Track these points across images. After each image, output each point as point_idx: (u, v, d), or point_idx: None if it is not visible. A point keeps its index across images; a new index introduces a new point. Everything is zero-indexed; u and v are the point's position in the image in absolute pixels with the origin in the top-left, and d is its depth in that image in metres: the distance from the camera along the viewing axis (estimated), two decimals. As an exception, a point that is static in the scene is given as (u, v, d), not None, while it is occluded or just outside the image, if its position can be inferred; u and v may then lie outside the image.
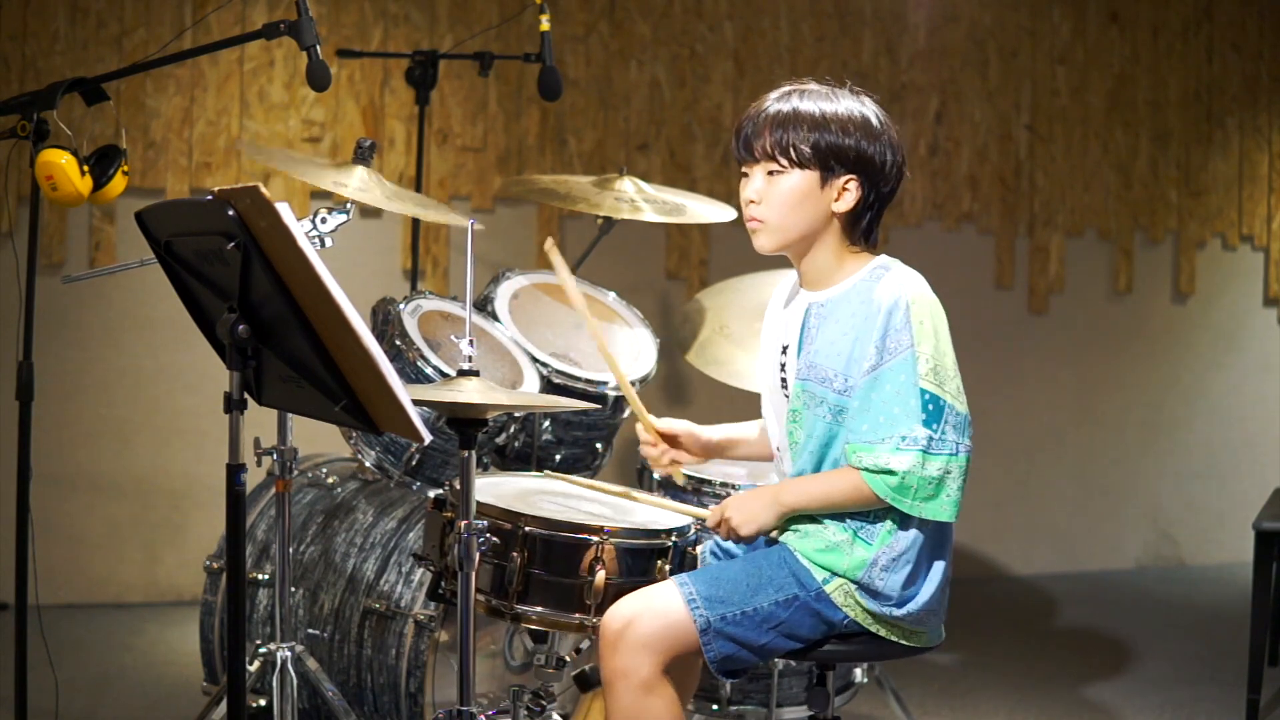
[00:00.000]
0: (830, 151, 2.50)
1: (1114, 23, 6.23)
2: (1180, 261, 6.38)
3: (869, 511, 2.48)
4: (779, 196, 2.53)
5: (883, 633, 2.51)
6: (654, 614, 2.46)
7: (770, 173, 2.54)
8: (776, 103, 2.55)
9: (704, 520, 2.68)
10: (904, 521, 2.47)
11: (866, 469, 2.43)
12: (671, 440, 2.82)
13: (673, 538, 2.67)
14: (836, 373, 2.50)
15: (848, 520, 2.49)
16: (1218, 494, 6.44)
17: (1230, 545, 6.33)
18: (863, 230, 2.56)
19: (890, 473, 2.40)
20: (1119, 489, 6.31)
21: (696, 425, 2.83)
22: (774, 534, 2.57)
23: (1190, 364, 6.44)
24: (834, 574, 2.48)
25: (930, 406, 2.40)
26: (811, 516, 2.53)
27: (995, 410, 6.08)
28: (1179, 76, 6.34)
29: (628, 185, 3.88)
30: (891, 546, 2.47)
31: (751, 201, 2.57)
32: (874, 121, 2.53)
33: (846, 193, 2.53)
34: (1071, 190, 6.18)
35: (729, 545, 2.72)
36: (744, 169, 2.59)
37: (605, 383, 3.56)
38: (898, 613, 2.48)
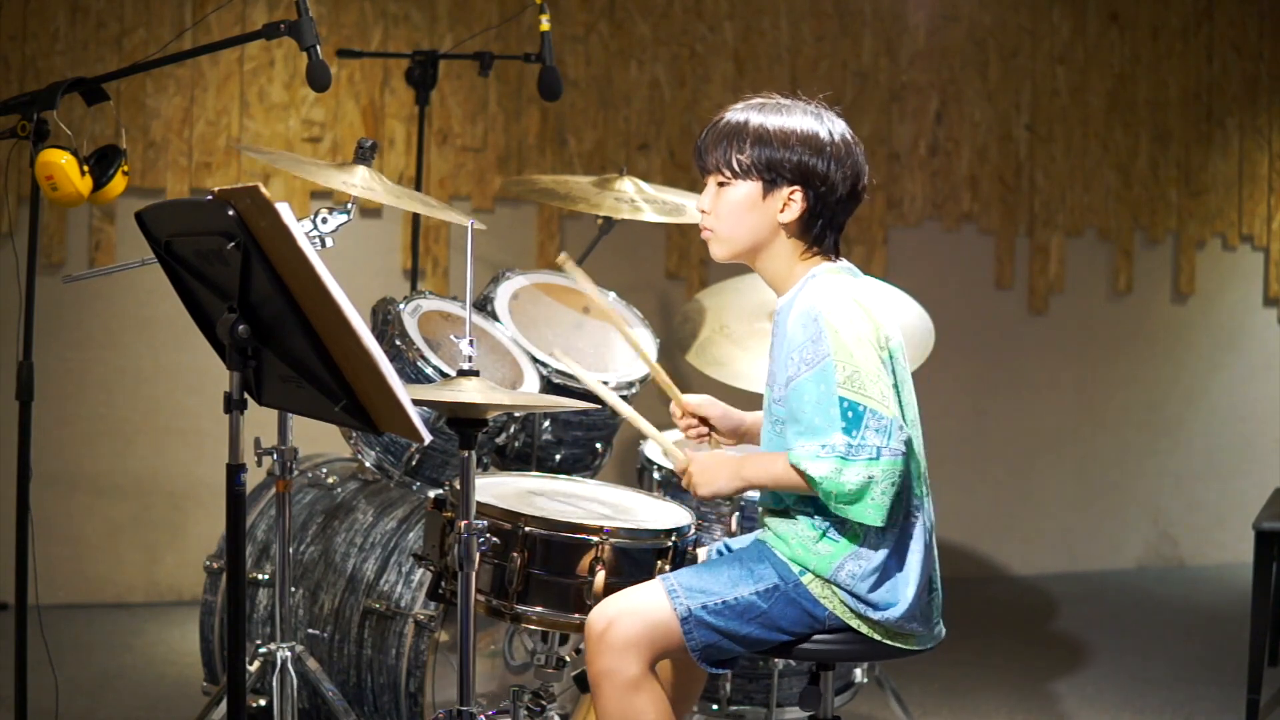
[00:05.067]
0: (769, 164, 2.53)
1: (1114, 23, 6.22)
2: (1180, 261, 6.38)
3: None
4: (725, 207, 2.58)
5: (865, 630, 2.51)
6: (636, 613, 2.48)
7: (720, 184, 2.59)
8: (728, 116, 2.60)
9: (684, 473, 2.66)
10: (865, 538, 2.48)
11: (794, 466, 2.44)
12: (703, 422, 2.80)
13: (672, 538, 2.68)
14: (776, 382, 2.54)
15: (818, 518, 2.51)
16: (1218, 494, 6.44)
17: (1230, 545, 6.32)
18: (815, 237, 2.58)
19: (810, 478, 2.41)
20: (1119, 489, 6.31)
21: (733, 409, 2.80)
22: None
23: (1190, 364, 6.43)
24: (806, 569, 2.50)
25: (849, 414, 2.40)
26: (787, 516, 2.55)
27: (995, 410, 6.08)
28: (1179, 76, 6.34)
29: (628, 185, 3.88)
30: (857, 555, 2.48)
31: (703, 212, 2.62)
32: (822, 136, 2.54)
33: (791, 204, 2.55)
34: (1071, 190, 6.18)
35: (731, 543, 2.74)
36: (704, 180, 2.63)
37: (606, 382, 3.55)
38: (875, 615, 2.49)
